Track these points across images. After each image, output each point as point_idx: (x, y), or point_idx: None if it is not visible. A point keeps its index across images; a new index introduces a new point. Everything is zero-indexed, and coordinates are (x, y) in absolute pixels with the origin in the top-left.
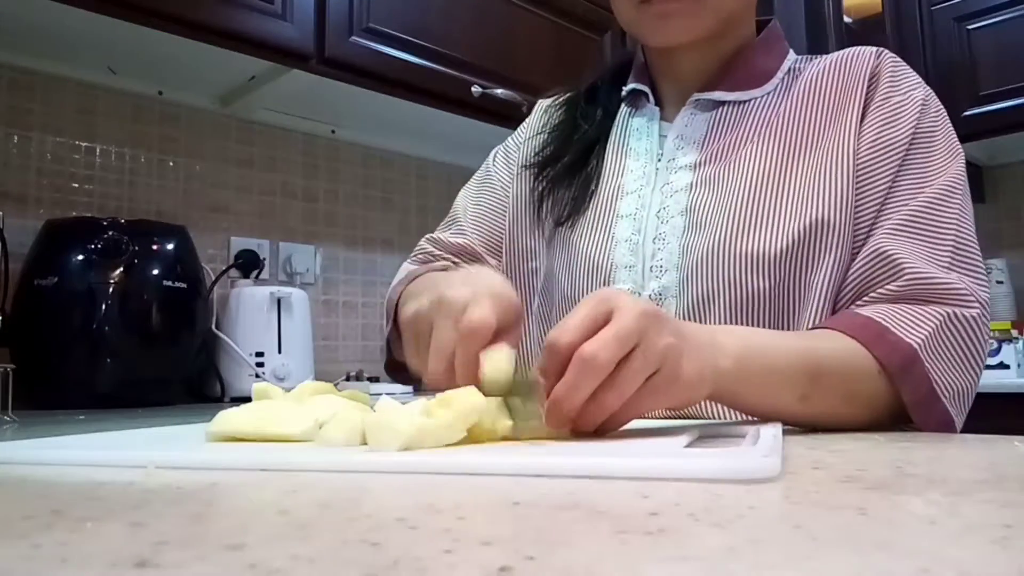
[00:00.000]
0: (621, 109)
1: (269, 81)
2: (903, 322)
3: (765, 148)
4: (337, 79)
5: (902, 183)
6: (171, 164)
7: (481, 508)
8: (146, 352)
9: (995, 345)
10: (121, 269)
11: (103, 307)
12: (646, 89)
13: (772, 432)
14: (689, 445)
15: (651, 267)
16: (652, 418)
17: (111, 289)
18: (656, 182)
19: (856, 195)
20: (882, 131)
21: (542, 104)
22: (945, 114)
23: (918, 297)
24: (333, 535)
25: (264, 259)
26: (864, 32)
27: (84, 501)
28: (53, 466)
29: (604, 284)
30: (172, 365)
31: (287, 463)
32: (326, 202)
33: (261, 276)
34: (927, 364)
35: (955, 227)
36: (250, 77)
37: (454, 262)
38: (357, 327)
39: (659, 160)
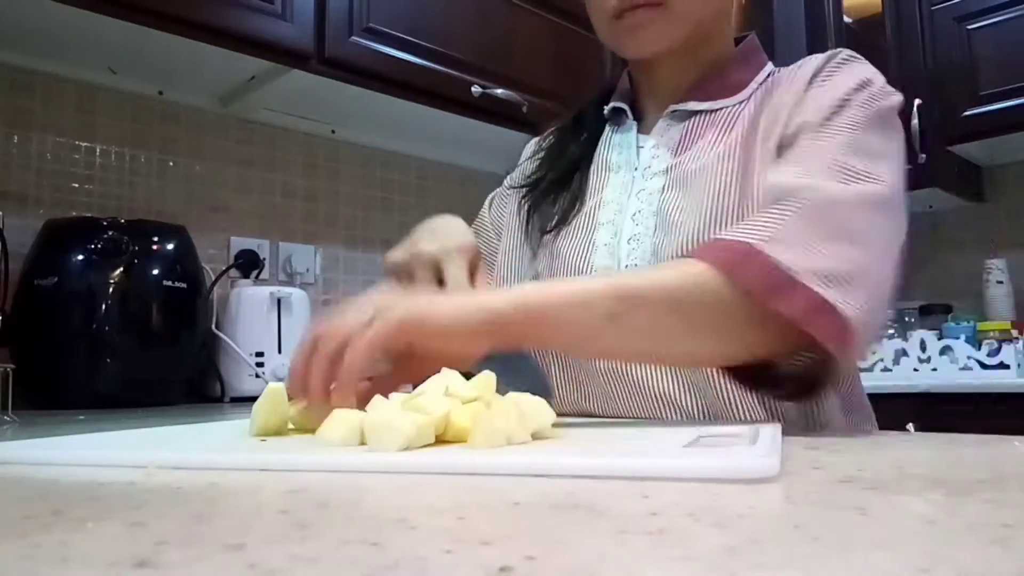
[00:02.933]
0: (605, 129)
1: (269, 81)
2: (742, 228)
3: (728, 151)
4: (337, 79)
5: (817, 133)
6: (171, 164)
7: (481, 508)
8: (146, 352)
9: (995, 345)
10: (121, 269)
11: (103, 307)
12: (623, 105)
13: (771, 432)
14: (689, 445)
15: (626, 266)
16: (652, 418)
17: (111, 289)
18: (632, 189)
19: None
20: (808, 93)
21: (530, 143)
22: (894, 101)
23: (775, 200)
24: (333, 535)
25: (264, 259)
26: (864, 32)
27: (84, 501)
28: (53, 466)
29: None
30: (172, 365)
31: (287, 463)
32: (326, 202)
33: (261, 276)
34: (769, 254)
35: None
36: (250, 77)
37: None
38: None
39: (635, 170)
